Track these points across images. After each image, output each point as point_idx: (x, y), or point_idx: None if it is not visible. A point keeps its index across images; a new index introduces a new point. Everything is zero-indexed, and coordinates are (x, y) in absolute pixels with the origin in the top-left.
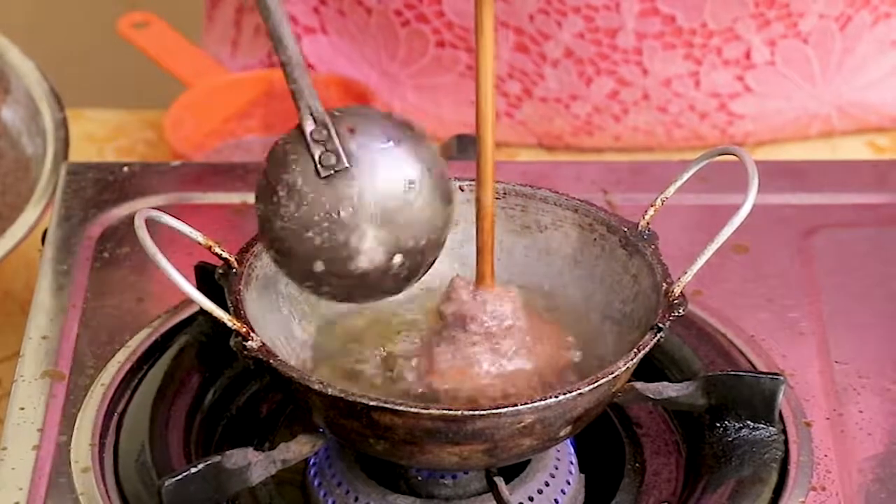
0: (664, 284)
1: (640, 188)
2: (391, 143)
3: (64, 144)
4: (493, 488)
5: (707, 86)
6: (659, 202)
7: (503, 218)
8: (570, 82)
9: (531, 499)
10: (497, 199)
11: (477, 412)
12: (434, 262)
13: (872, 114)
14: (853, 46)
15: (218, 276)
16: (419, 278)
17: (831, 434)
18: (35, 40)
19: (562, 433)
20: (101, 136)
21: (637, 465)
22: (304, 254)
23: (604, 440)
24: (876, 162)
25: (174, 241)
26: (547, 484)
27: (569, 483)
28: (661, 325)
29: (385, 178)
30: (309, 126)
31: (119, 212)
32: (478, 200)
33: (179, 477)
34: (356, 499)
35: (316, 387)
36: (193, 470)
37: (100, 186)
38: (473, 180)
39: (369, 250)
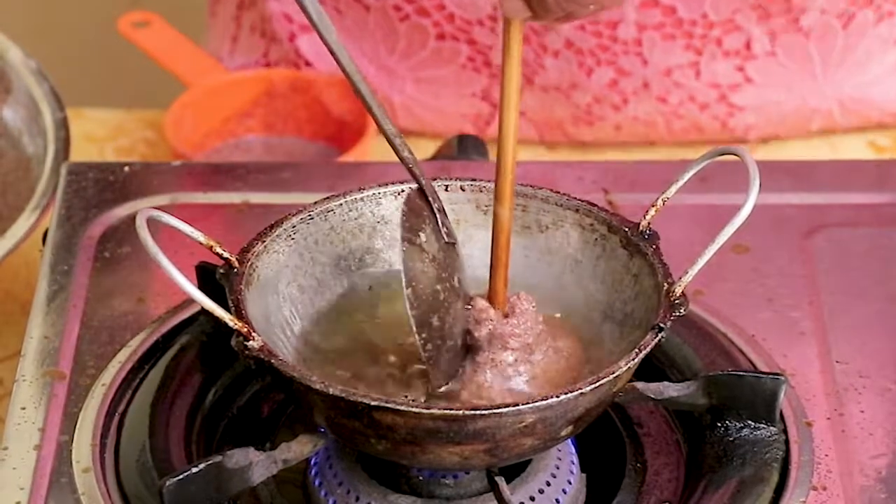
0: (665, 284)
1: (641, 188)
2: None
3: (64, 144)
4: (494, 488)
5: (707, 76)
6: (660, 202)
7: None
8: (571, 72)
9: (532, 498)
10: None
11: (478, 412)
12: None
13: (874, 110)
14: (856, 43)
15: (219, 276)
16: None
17: (832, 434)
18: (35, 40)
19: (563, 433)
20: (101, 136)
21: (638, 464)
22: (430, 304)
23: (605, 440)
24: (877, 162)
25: (175, 240)
26: (548, 483)
27: (570, 483)
28: (662, 324)
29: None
30: (432, 198)
31: (120, 211)
32: (495, 215)
33: (180, 477)
34: (357, 498)
35: (317, 386)
36: (194, 470)
37: (100, 186)
38: (475, 180)
39: (463, 321)
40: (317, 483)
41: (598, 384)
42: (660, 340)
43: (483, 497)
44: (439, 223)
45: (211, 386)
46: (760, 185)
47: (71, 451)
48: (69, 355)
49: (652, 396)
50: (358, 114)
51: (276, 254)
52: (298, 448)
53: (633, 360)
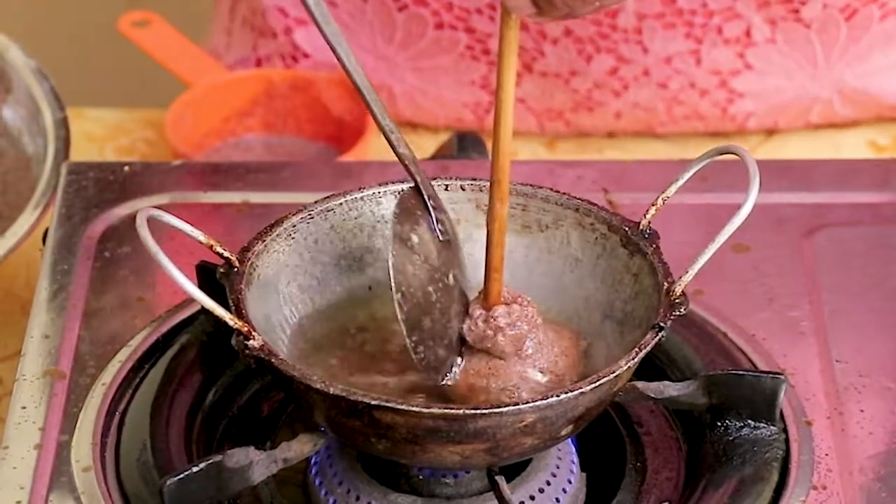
0: (665, 284)
1: (640, 187)
2: (458, 219)
3: (64, 144)
4: (494, 487)
5: (708, 63)
6: (660, 201)
7: None
8: (570, 59)
9: (532, 498)
10: None
11: (478, 411)
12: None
13: (874, 101)
14: (859, 36)
15: (219, 276)
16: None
17: (832, 433)
18: (35, 40)
19: (563, 432)
20: (101, 136)
21: (638, 464)
22: (421, 307)
23: (605, 439)
24: (877, 161)
25: (175, 240)
26: (548, 483)
27: (570, 482)
28: (662, 324)
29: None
30: (427, 194)
31: (120, 211)
32: (490, 212)
33: (181, 476)
34: (357, 498)
35: (317, 386)
36: (195, 469)
37: (100, 186)
38: (475, 179)
39: (459, 318)
40: (317, 482)
41: (598, 383)
42: (660, 340)
43: (483, 496)
44: (434, 220)
45: (211, 385)
46: (760, 184)
47: (71, 450)
48: (69, 354)
49: (652, 396)
50: (358, 113)
51: (277, 253)
52: (299, 447)
53: (634, 359)
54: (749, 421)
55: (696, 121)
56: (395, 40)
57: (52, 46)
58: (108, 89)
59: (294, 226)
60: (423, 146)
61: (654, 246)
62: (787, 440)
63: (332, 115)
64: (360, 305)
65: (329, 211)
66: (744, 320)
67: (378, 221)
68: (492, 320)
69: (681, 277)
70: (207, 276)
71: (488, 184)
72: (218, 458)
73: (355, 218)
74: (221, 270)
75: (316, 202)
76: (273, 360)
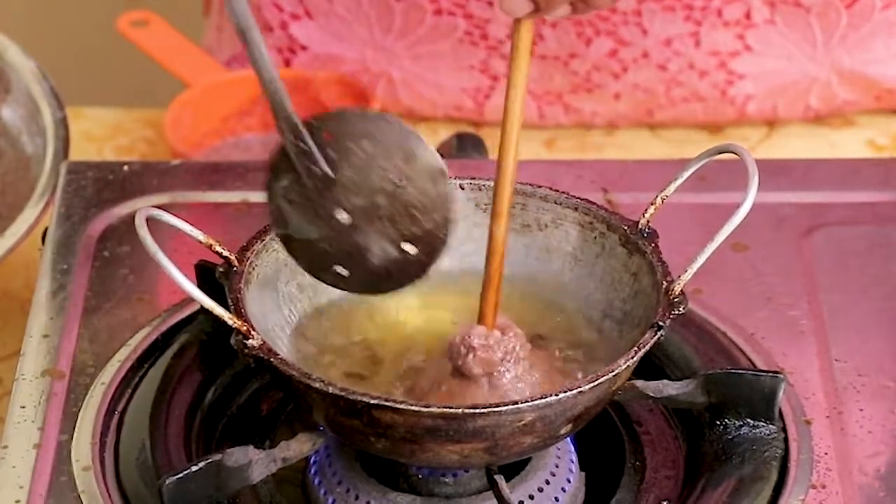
0: (664, 283)
1: (639, 186)
2: (368, 141)
3: (64, 143)
4: (493, 486)
5: (707, 45)
6: (659, 200)
7: None
8: (570, 42)
9: (532, 497)
10: None
11: (477, 410)
12: (449, 236)
13: (874, 84)
14: (860, 24)
15: (218, 275)
16: (439, 255)
17: (831, 432)
18: (35, 39)
19: (562, 431)
20: (100, 135)
21: (637, 463)
22: (322, 260)
23: (604, 438)
24: (876, 160)
25: (174, 239)
26: (547, 482)
27: (569, 481)
28: (661, 323)
29: (370, 177)
30: (290, 141)
31: (119, 211)
32: (490, 234)
33: (180, 475)
34: (357, 497)
35: (316, 385)
36: (194, 468)
37: (100, 185)
38: (474, 178)
39: (377, 247)
40: (316, 481)
41: (597, 382)
42: (659, 339)
43: (482, 495)
44: (317, 159)
45: (210, 384)
46: (759, 183)
47: (70, 449)
48: (69, 354)
49: (651, 395)
50: None
51: (276, 252)
52: (298, 446)
53: (633, 358)
54: (748, 420)
55: (696, 102)
56: (394, 29)
57: (51, 46)
58: (107, 89)
59: None
60: (425, 137)
61: (653, 245)
62: (786, 439)
63: None
64: (360, 304)
65: None
66: (743, 319)
67: None
68: (467, 338)
69: (680, 276)
70: (207, 276)
71: (488, 182)
72: (217, 457)
73: None
74: (221, 270)
75: None
76: (272, 360)
